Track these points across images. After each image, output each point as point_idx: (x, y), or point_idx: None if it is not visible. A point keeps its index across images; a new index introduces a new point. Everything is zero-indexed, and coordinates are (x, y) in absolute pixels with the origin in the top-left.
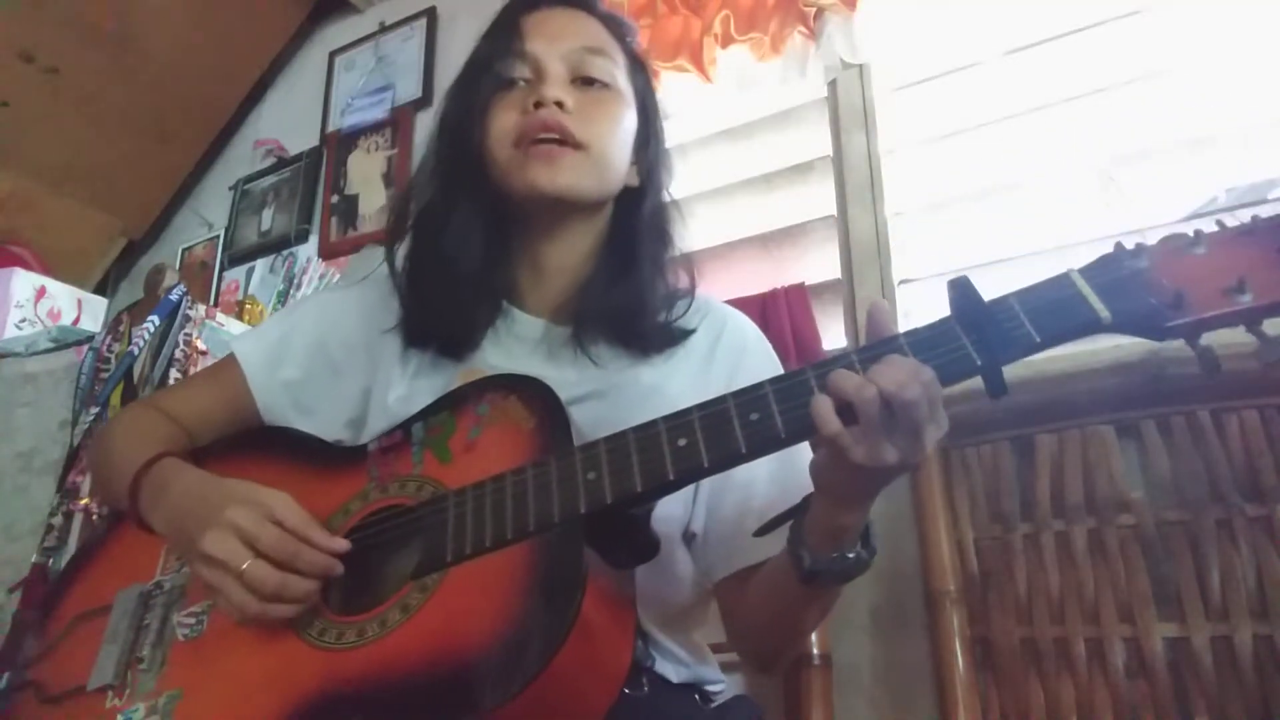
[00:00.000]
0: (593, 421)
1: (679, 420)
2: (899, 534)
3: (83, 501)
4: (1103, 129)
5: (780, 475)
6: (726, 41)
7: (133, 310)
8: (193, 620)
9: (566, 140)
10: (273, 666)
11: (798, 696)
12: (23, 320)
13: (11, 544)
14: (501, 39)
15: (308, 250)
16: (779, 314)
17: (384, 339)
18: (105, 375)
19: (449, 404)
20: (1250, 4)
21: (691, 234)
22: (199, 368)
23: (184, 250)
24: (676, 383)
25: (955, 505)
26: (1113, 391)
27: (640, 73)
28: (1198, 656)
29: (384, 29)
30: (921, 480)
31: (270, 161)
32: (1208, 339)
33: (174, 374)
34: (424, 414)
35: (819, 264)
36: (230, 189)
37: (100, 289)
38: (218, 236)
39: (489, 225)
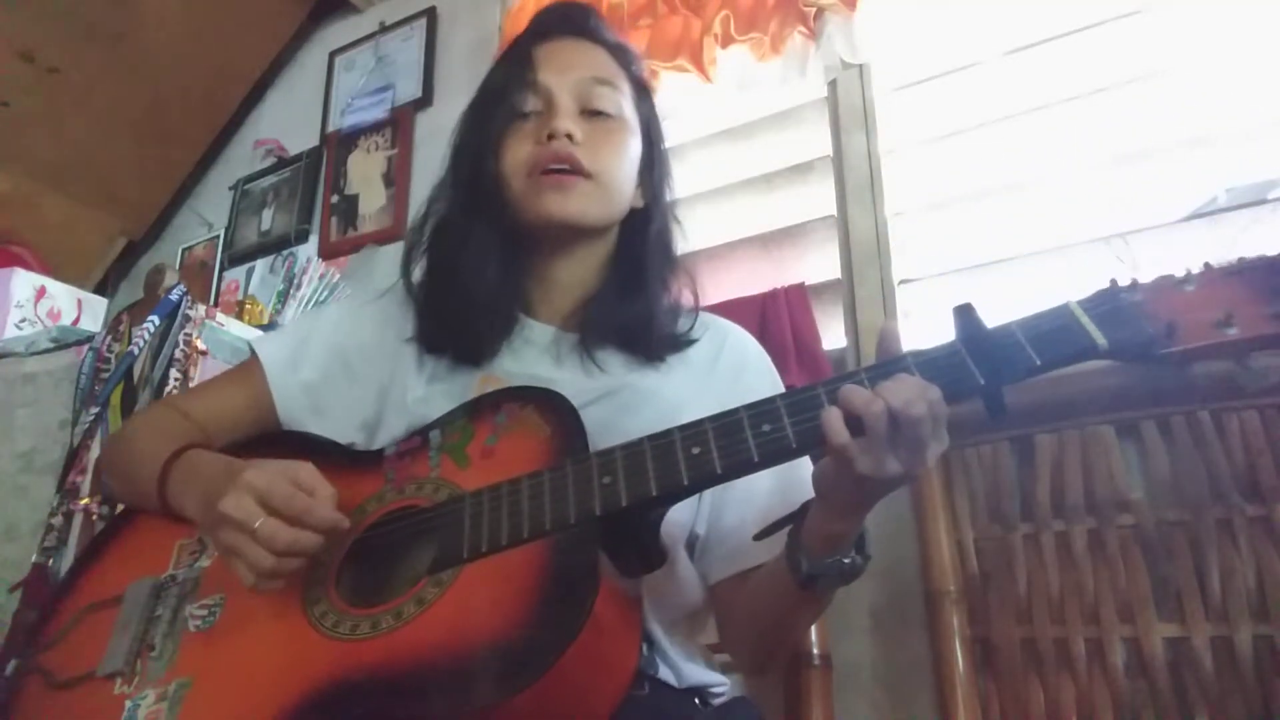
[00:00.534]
0: (597, 423)
1: (693, 430)
2: (899, 534)
3: (83, 501)
4: (1103, 129)
5: (781, 483)
6: (726, 41)
7: (133, 310)
8: (204, 612)
9: (577, 170)
10: (284, 656)
11: (798, 696)
12: (23, 320)
13: (11, 544)
14: (515, 69)
15: (308, 250)
16: (779, 314)
17: (401, 347)
18: (105, 375)
19: (467, 412)
20: (1250, 4)
21: (691, 235)
22: (199, 368)
23: (184, 250)
24: (676, 388)
25: (955, 505)
26: (1113, 391)
27: (645, 99)
28: (1198, 656)
29: (384, 29)
30: (921, 480)
31: (270, 161)
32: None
33: (174, 374)
34: (442, 421)
35: (819, 264)
36: (230, 189)
37: (100, 289)
38: (218, 236)
39: (503, 246)
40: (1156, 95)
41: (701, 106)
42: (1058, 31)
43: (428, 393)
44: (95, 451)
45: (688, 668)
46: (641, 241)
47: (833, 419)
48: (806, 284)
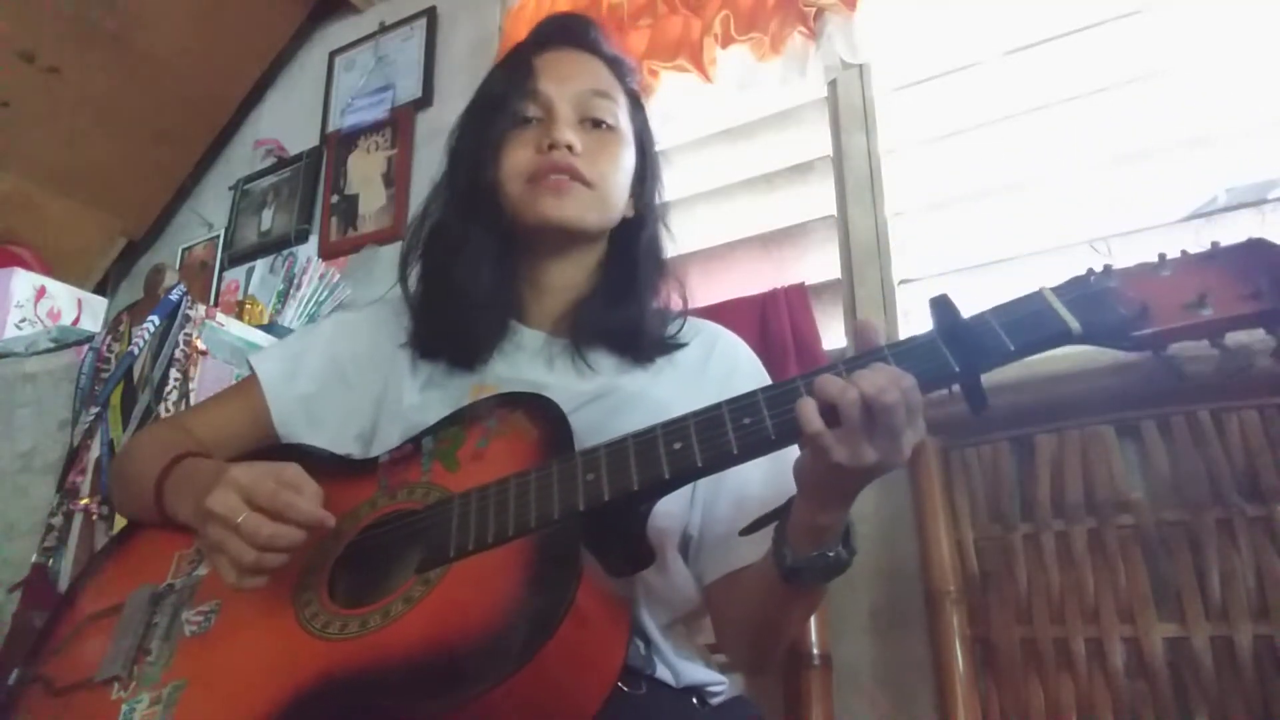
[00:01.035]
0: (587, 426)
1: (676, 425)
2: (899, 534)
3: (83, 501)
4: (1103, 129)
5: (771, 481)
6: (726, 41)
7: (133, 310)
8: (201, 618)
9: (576, 178)
10: (276, 656)
11: (798, 696)
12: (23, 320)
13: (11, 544)
14: (516, 77)
15: (308, 250)
16: (779, 314)
17: (395, 354)
18: (105, 375)
19: (459, 419)
20: (1250, 4)
21: (691, 235)
22: (199, 368)
23: (184, 250)
24: (665, 390)
25: (955, 505)
26: (1113, 391)
27: (639, 111)
28: (1198, 656)
29: (384, 29)
30: (921, 480)
31: (270, 161)
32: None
33: (174, 374)
34: (435, 429)
35: (819, 264)
36: (230, 189)
37: (100, 289)
38: (218, 236)
39: (499, 251)
40: (1156, 95)
41: (701, 106)
42: (1058, 31)
43: (423, 400)
44: (95, 451)
45: (685, 667)
46: (632, 248)
47: (807, 409)
48: (806, 284)
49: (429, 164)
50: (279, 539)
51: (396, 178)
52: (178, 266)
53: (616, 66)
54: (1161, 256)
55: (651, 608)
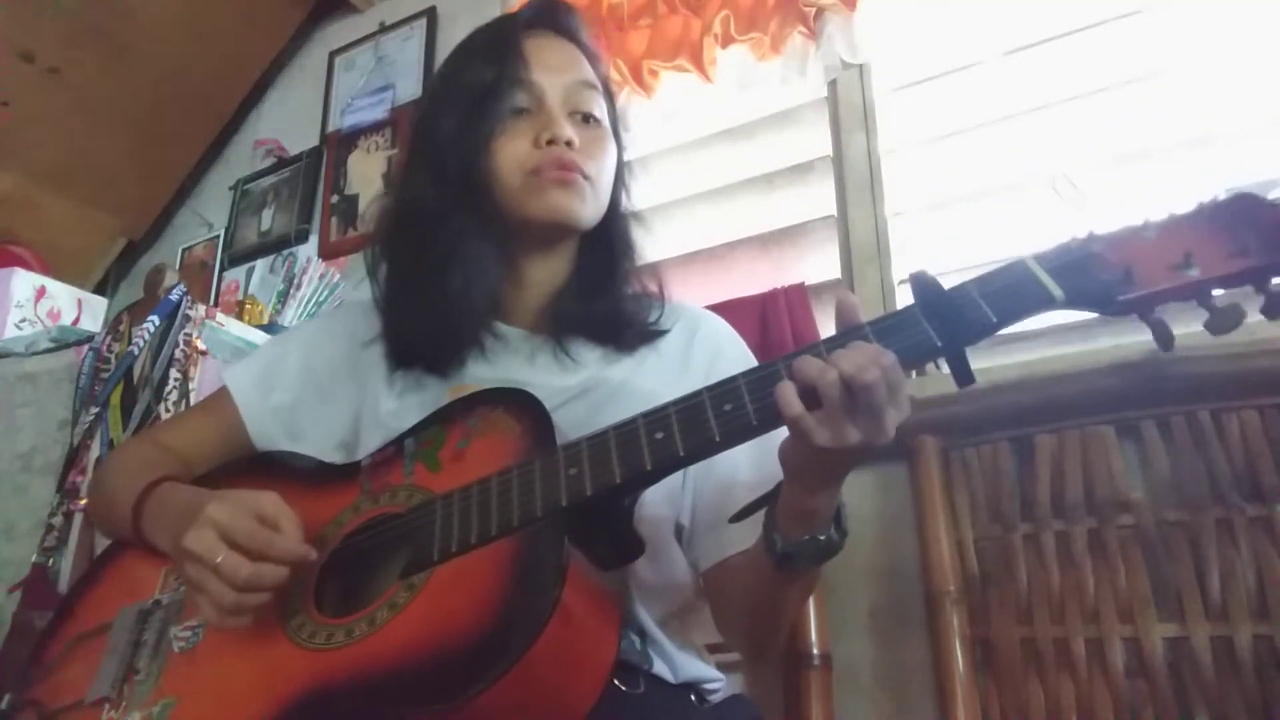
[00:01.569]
0: (574, 422)
1: (657, 415)
2: (899, 534)
3: (83, 501)
4: (1103, 129)
5: (760, 467)
6: (726, 41)
7: (133, 310)
8: (189, 634)
9: (580, 174)
10: (263, 670)
11: (798, 696)
12: (23, 320)
13: (11, 544)
14: (505, 64)
15: (308, 250)
16: (779, 314)
17: (368, 360)
18: (105, 375)
19: (440, 419)
20: (1250, 4)
21: (691, 235)
22: (199, 368)
23: (184, 250)
24: (650, 379)
25: (955, 505)
26: (1113, 391)
27: (612, 104)
28: (1198, 656)
29: (384, 29)
30: (921, 480)
31: (270, 161)
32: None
33: (174, 374)
34: (416, 430)
35: (819, 264)
36: (230, 189)
37: (100, 289)
38: (218, 236)
39: (483, 244)
40: (1156, 95)
41: (701, 106)
42: (1058, 31)
43: (400, 405)
44: (95, 451)
45: (683, 660)
46: (609, 240)
47: (787, 392)
48: (806, 284)
49: None
50: (259, 579)
51: None
52: (178, 266)
53: (594, 59)
54: (1146, 219)
55: (646, 601)
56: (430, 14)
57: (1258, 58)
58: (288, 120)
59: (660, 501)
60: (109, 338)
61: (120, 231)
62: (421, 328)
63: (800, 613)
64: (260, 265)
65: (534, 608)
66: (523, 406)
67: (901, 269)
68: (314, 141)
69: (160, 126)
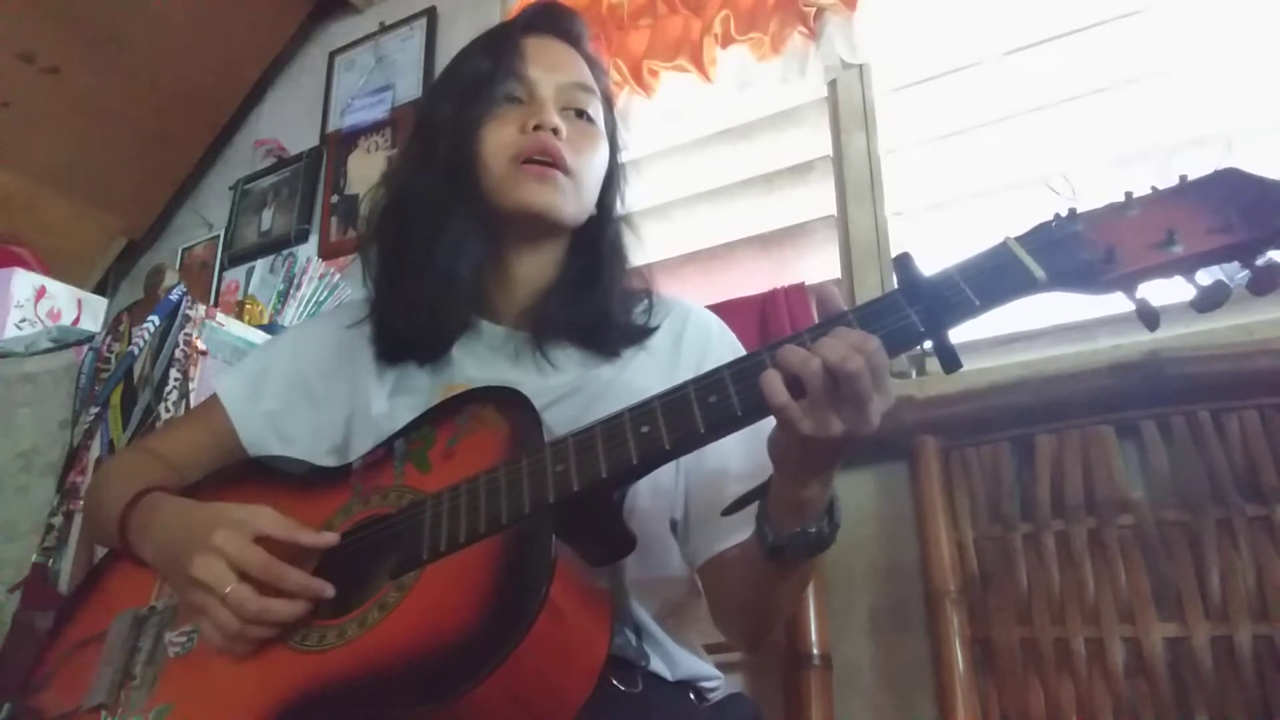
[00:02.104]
0: (562, 421)
1: (642, 408)
2: (899, 534)
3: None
4: (1103, 129)
5: (751, 456)
6: (726, 41)
7: (133, 310)
8: (184, 639)
9: (558, 166)
10: (257, 674)
11: (798, 696)
12: (23, 320)
13: (11, 544)
14: (503, 56)
15: (308, 250)
16: (779, 314)
17: (359, 362)
18: (105, 375)
19: (430, 419)
20: (1250, 4)
21: (691, 235)
22: (199, 368)
23: (184, 250)
24: (640, 377)
25: (955, 505)
26: (1113, 391)
27: (611, 113)
28: (1198, 656)
29: (384, 29)
30: (922, 480)
31: (270, 161)
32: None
33: (174, 374)
34: (406, 430)
35: (819, 264)
36: (230, 189)
37: (100, 289)
38: (218, 236)
39: (470, 233)
40: (1156, 95)
41: (701, 106)
42: (1058, 31)
43: (391, 406)
44: (95, 452)
45: (680, 657)
46: (597, 243)
47: (772, 380)
48: (806, 284)
49: None
50: (268, 614)
51: None
52: (178, 266)
53: (595, 67)
54: (1128, 195)
55: (640, 596)
56: (430, 14)
57: (1258, 58)
58: (288, 120)
59: (652, 496)
60: (109, 338)
61: (120, 231)
62: (407, 312)
63: (797, 606)
64: (260, 265)
65: (522, 605)
66: (511, 404)
67: None
68: (314, 141)
69: (160, 126)
